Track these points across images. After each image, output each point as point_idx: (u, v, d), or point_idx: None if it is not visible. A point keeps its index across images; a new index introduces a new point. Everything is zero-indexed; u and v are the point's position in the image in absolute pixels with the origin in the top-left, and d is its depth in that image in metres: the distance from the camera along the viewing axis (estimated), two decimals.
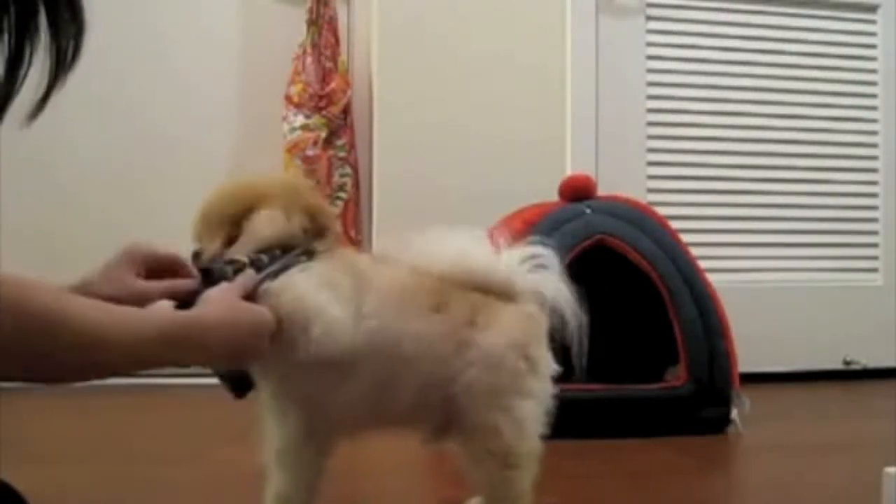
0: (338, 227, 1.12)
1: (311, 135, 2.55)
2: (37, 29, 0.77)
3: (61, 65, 0.79)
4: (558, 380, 2.05)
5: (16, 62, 0.75)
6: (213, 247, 0.99)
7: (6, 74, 0.74)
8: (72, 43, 0.79)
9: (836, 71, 2.94)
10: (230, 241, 0.99)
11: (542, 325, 1.10)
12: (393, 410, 1.01)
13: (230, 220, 1.01)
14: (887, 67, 2.96)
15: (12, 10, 0.74)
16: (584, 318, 1.16)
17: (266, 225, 0.99)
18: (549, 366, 1.10)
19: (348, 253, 1.08)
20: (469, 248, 1.09)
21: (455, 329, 1.01)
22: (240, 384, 0.96)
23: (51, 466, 1.51)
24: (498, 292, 1.07)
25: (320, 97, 2.57)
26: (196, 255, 1.01)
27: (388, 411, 1.01)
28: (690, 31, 2.85)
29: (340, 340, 0.93)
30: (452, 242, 1.08)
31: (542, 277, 1.12)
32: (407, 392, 1.00)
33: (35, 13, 0.76)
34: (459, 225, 1.07)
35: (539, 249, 1.14)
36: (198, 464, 1.47)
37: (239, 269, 0.94)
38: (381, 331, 0.97)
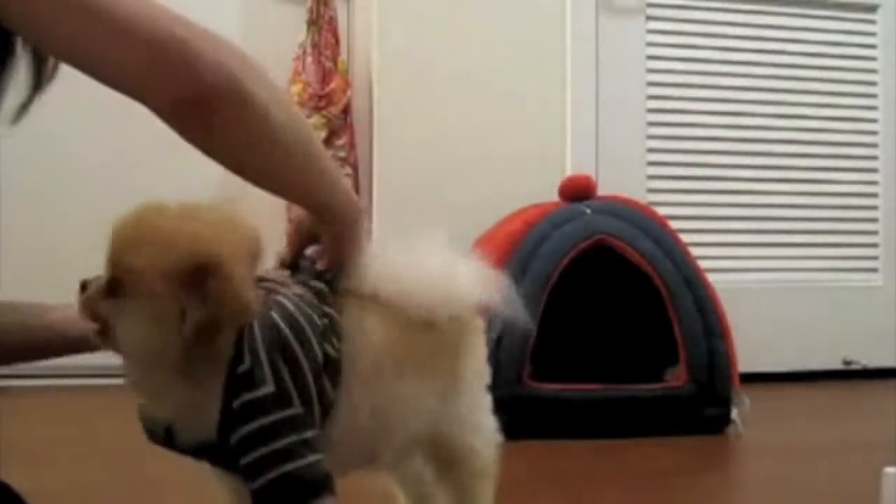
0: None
1: None
2: (15, 50, 0.79)
3: (40, 82, 0.83)
4: (558, 380, 2.06)
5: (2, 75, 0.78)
6: (95, 286, 0.83)
7: None
8: (51, 63, 0.82)
9: (836, 71, 2.94)
10: (110, 283, 0.82)
11: (482, 332, 1.07)
12: (381, 458, 0.97)
13: (119, 265, 0.82)
14: (887, 67, 2.96)
15: None
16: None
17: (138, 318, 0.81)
18: (488, 371, 1.09)
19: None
20: (442, 285, 0.98)
21: (437, 377, 0.98)
22: None
23: (50, 466, 1.51)
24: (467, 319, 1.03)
25: (320, 97, 2.57)
26: (82, 286, 0.84)
27: (376, 458, 0.97)
28: (690, 31, 2.85)
29: None
30: (424, 278, 0.97)
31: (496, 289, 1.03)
32: (393, 445, 0.97)
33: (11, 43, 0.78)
34: (424, 239, 1.00)
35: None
36: (200, 463, 1.48)
37: None
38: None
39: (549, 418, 1.94)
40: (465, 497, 1.05)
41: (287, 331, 0.85)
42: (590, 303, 2.28)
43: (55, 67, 0.84)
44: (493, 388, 1.99)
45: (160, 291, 0.79)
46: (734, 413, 2.00)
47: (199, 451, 0.85)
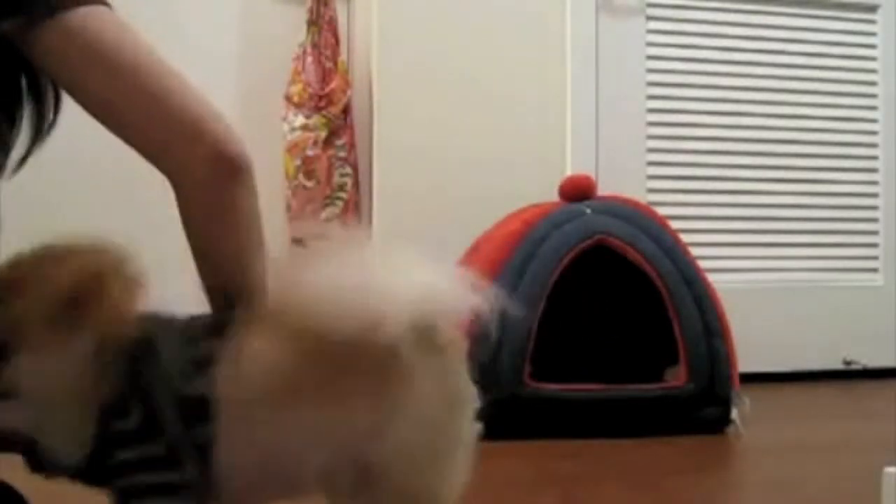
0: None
1: (311, 135, 2.54)
2: (22, 104, 0.86)
3: (40, 133, 0.89)
4: (558, 380, 2.06)
5: (7, 126, 0.85)
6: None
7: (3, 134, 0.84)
8: (49, 116, 0.88)
9: (836, 71, 2.94)
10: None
11: (460, 350, 0.93)
12: (299, 487, 0.89)
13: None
14: (887, 67, 2.96)
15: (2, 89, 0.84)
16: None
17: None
18: (473, 399, 0.94)
19: None
20: (347, 299, 0.80)
21: (359, 403, 0.85)
22: None
23: None
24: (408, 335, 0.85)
25: (320, 97, 2.57)
26: None
27: (293, 488, 0.90)
28: (690, 31, 2.85)
29: None
30: (328, 292, 0.81)
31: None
32: (308, 473, 0.88)
33: (19, 89, 0.85)
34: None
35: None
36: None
37: None
38: None
39: (549, 418, 1.94)
40: None
41: (146, 365, 0.82)
42: (590, 303, 2.28)
43: (53, 122, 0.88)
44: (493, 388, 1.99)
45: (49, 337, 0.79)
46: (734, 413, 2.00)
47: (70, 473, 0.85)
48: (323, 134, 2.55)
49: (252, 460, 0.83)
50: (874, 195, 2.97)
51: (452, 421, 0.89)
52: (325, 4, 2.61)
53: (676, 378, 2.01)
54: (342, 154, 2.58)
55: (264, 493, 0.87)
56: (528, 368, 1.93)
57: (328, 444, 0.83)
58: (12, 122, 0.86)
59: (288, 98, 2.58)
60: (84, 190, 2.59)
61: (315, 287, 0.80)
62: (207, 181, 0.82)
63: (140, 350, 0.82)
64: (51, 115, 0.90)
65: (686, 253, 2.11)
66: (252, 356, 0.81)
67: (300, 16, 2.62)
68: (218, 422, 0.81)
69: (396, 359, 0.82)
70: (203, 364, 0.82)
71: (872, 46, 2.97)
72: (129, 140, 0.83)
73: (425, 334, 0.83)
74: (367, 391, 0.83)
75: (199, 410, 0.81)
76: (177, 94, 0.81)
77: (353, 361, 0.81)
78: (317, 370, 0.81)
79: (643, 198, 2.58)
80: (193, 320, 0.87)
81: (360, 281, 0.80)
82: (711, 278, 2.12)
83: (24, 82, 0.86)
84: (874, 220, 2.97)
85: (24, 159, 0.88)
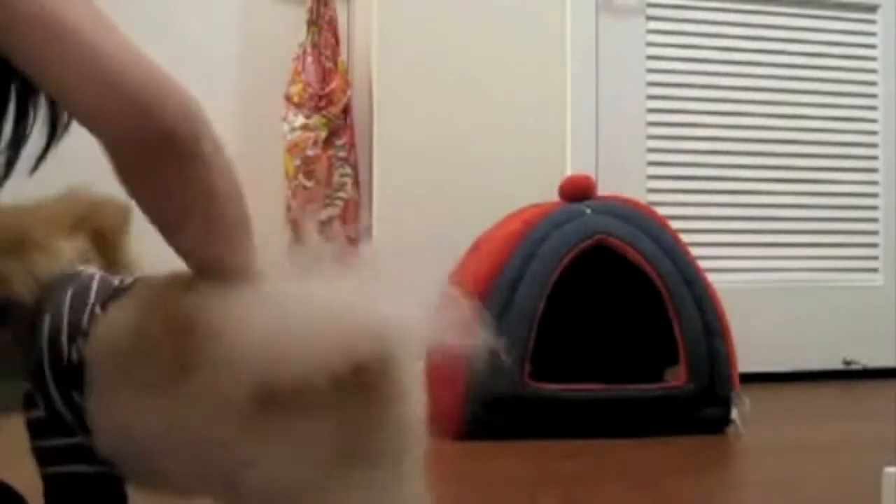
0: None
1: (311, 135, 2.54)
2: (37, 97, 0.83)
3: (55, 130, 0.86)
4: (558, 380, 2.06)
5: (22, 121, 0.83)
6: None
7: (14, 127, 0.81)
8: (65, 114, 0.84)
9: (836, 71, 2.94)
10: None
11: (414, 383, 0.82)
12: None
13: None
14: (887, 67, 2.96)
15: (18, 80, 0.81)
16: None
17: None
18: (424, 429, 0.82)
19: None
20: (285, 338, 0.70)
21: (307, 451, 0.78)
22: None
23: None
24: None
25: (320, 97, 2.57)
26: None
27: None
28: (690, 31, 2.85)
29: None
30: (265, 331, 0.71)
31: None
32: None
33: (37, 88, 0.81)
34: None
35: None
36: None
37: None
38: None
39: (549, 418, 1.94)
40: None
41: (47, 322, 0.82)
42: (590, 303, 2.28)
43: (69, 122, 0.86)
44: (493, 387, 1.99)
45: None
46: (734, 413, 2.00)
47: None
48: (323, 134, 2.55)
49: (115, 445, 0.80)
50: (874, 195, 2.97)
51: (408, 454, 0.78)
52: (325, 4, 2.61)
53: (676, 378, 2.01)
54: (342, 154, 2.58)
55: (150, 485, 0.84)
56: (528, 368, 1.93)
57: (188, 445, 0.76)
58: (24, 114, 0.83)
59: (288, 98, 2.58)
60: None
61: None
62: (140, 154, 0.75)
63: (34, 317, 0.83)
64: (66, 115, 0.86)
65: (686, 253, 2.11)
66: (117, 323, 0.80)
67: (300, 16, 2.62)
68: (89, 389, 0.79)
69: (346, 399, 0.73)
70: (80, 331, 0.80)
71: (872, 46, 2.97)
72: (67, 108, 0.80)
73: (378, 372, 0.74)
74: (315, 438, 0.73)
75: (74, 378, 0.80)
76: (116, 59, 0.73)
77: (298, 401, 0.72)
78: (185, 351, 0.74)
79: (643, 198, 2.58)
80: (100, 283, 0.85)
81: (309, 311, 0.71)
82: (711, 278, 2.11)
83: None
84: (874, 220, 2.97)
85: (42, 156, 0.85)
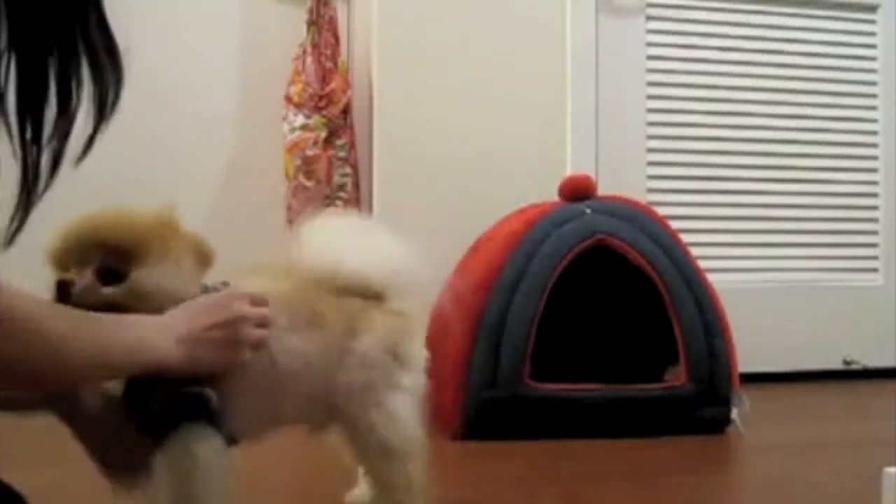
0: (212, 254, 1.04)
1: (311, 135, 2.54)
2: (80, 74, 0.79)
3: (103, 110, 0.82)
4: (558, 380, 2.06)
5: (65, 103, 0.78)
6: (84, 280, 0.92)
7: (59, 112, 0.77)
8: (112, 90, 0.82)
9: (836, 71, 2.94)
10: (101, 272, 0.93)
11: (413, 320, 1.15)
12: (281, 418, 1.05)
13: (106, 251, 0.94)
14: (887, 67, 2.96)
15: (55, 56, 0.77)
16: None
17: (164, 275, 0.95)
18: (421, 359, 1.15)
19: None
20: (344, 255, 1.10)
21: (333, 341, 1.05)
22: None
23: (51, 467, 1.51)
24: (372, 295, 1.12)
25: (320, 97, 2.57)
26: (64, 285, 0.92)
27: (276, 419, 1.05)
28: (690, 31, 2.85)
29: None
30: (328, 249, 1.10)
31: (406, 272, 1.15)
32: (292, 403, 1.04)
33: (78, 61, 0.79)
34: (354, 219, 1.13)
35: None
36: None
37: None
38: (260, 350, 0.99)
39: (549, 418, 1.94)
40: (374, 478, 1.11)
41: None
42: (590, 303, 2.28)
43: (117, 95, 0.82)
44: (493, 388, 2.00)
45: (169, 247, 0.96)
46: (734, 413, 2.00)
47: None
48: (323, 134, 2.55)
49: (250, 387, 0.98)
50: (874, 195, 2.97)
51: (394, 368, 1.10)
52: (325, 4, 2.61)
53: (676, 378, 2.01)
54: (342, 154, 2.58)
55: (255, 422, 1.02)
56: (528, 368, 1.93)
57: (310, 377, 1.02)
58: (67, 94, 0.79)
59: (288, 98, 2.58)
60: (82, 189, 2.59)
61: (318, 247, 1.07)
62: None
63: None
64: (111, 96, 0.82)
65: (686, 253, 2.11)
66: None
67: (300, 16, 2.62)
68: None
69: (358, 310, 1.08)
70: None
71: (872, 46, 2.97)
72: None
73: (380, 296, 1.11)
74: (337, 332, 1.05)
75: None
76: None
77: (333, 308, 1.05)
78: (308, 304, 1.04)
79: (643, 198, 2.58)
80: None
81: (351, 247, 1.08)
82: (711, 278, 2.12)
83: (80, 46, 0.79)
84: (874, 220, 2.97)
85: (91, 140, 0.82)
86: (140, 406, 0.93)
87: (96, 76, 0.80)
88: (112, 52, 0.81)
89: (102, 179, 2.64)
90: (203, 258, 1.00)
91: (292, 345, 1.01)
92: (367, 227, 1.16)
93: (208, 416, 0.93)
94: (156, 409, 0.92)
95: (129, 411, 0.93)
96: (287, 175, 2.55)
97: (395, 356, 1.11)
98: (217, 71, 2.73)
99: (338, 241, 1.12)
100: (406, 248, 1.15)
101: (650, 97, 2.81)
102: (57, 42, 0.75)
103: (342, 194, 2.57)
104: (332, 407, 1.06)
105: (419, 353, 1.15)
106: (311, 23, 2.60)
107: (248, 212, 2.61)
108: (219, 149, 2.70)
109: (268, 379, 0.99)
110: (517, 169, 2.62)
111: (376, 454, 1.09)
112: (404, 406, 1.10)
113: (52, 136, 0.77)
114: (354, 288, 1.09)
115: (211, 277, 1.03)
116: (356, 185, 2.61)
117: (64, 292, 0.91)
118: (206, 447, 0.92)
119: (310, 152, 2.54)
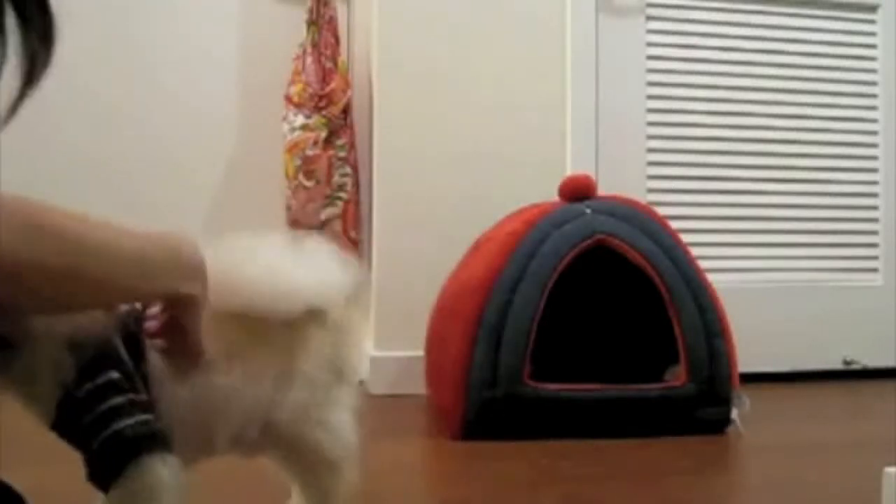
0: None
1: (311, 135, 2.55)
2: (2, 23, 0.72)
3: (32, 71, 0.75)
4: (558, 380, 2.06)
5: None
6: None
7: None
8: (42, 46, 0.75)
9: (836, 71, 2.94)
10: None
11: (350, 331, 1.12)
12: (212, 449, 1.01)
13: None
14: (887, 67, 2.96)
15: None
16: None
17: None
18: (358, 370, 1.13)
19: None
20: (268, 283, 1.02)
21: (266, 368, 1.01)
22: None
23: (51, 467, 1.51)
24: (307, 312, 1.06)
25: (320, 97, 2.57)
26: None
27: (207, 450, 1.01)
28: (690, 31, 2.85)
29: None
30: (250, 276, 1.01)
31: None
32: (221, 435, 1.00)
33: (1, 9, 0.71)
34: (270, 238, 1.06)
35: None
36: (200, 463, 1.47)
37: None
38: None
39: (549, 418, 1.94)
40: (316, 490, 1.10)
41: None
42: (590, 303, 2.28)
43: (47, 56, 0.75)
44: (493, 388, 1.99)
45: None
46: (734, 413, 2.00)
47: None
48: (323, 134, 2.55)
49: (177, 415, 0.93)
50: (874, 195, 2.97)
51: (336, 384, 1.08)
52: (325, 4, 2.61)
53: (676, 378, 2.01)
54: (342, 154, 2.58)
55: (190, 451, 0.96)
56: (528, 368, 1.94)
57: (242, 405, 0.99)
58: None
59: (288, 98, 2.59)
60: (81, 189, 2.59)
61: (240, 273, 0.99)
62: None
63: None
64: (42, 53, 0.75)
65: (686, 253, 2.11)
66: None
67: (300, 16, 2.62)
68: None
69: (296, 331, 1.04)
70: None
71: (872, 46, 2.97)
72: None
73: (318, 313, 1.06)
74: (273, 358, 1.02)
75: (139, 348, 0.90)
76: None
77: (262, 332, 1.00)
78: (233, 338, 0.97)
79: (643, 198, 2.58)
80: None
81: (269, 268, 1.02)
82: (711, 278, 2.11)
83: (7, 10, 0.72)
84: (874, 220, 2.97)
85: (18, 101, 0.74)
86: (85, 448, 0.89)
87: (23, 31, 0.74)
88: (42, 6, 0.74)
89: (103, 179, 2.65)
90: None
91: (210, 381, 0.95)
92: (275, 245, 1.06)
93: (161, 440, 0.89)
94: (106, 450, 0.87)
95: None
96: (287, 175, 2.55)
97: (336, 372, 1.09)
98: (217, 71, 2.73)
99: (257, 266, 1.03)
100: (325, 257, 1.08)
101: (650, 97, 2.80)
102: None
103: (342, 194, 2.57)
104: (271, 429, 1.03)
105: (357, 364, 1.13)
106: (311, 23, 2.60)
107: (248, 212, 2.61)
108: (219, 149, 2.70)
109: (192, 413, 0.95)
110: (517, 169, 2.62)
111: (321, 469, 1.08)
112: (345, 419, 1.09)
113: None
114: (285, 310, 1.04)
115: None
116: (356, 185, 2.62)
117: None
118: (165, 470, 0.88)
119: (310, 152, 2.54)
